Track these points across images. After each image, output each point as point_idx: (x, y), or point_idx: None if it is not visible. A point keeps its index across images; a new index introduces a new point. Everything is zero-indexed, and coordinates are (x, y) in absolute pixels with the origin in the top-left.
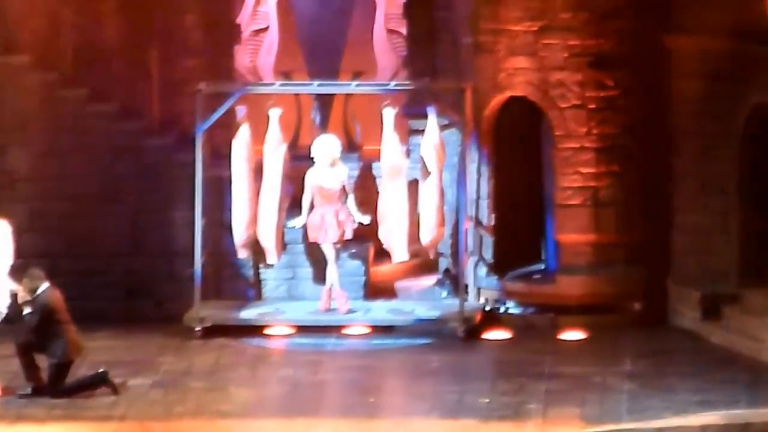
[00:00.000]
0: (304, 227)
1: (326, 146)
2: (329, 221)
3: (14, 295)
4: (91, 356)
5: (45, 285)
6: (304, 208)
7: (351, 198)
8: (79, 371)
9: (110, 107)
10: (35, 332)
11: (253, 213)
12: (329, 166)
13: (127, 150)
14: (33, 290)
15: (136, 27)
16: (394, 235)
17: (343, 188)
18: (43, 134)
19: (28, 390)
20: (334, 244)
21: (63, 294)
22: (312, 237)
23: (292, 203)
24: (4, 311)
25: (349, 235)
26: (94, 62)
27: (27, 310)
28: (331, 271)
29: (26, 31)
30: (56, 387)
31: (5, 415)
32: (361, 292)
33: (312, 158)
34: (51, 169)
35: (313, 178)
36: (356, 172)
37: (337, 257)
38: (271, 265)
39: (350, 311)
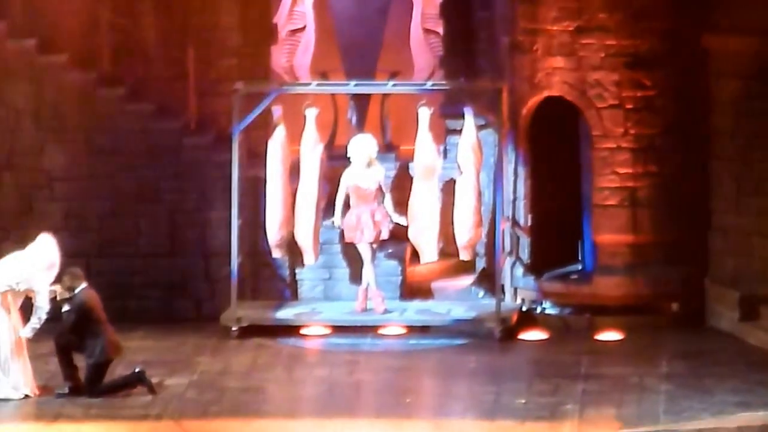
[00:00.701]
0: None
1: (363, 146)
2: (365, 221)
3: (53, 296)
4: (128, 356)
5: (83, 285)
6: (338, 207)
7: (388, 198)
8: (116, 371)
9: (147, 107)
10: (72, 331)
11: (288, 213)
12: (366, 166)
13: (164, 149)
14: (71, 289)
15: (173, 26)
16: (424, 236)
17: (380, 188)
18: (81, 133)
19: (66, 389)
20: (371, 244)
21: (100, 294)
22: (348, 237)
23: (329, 203)
24: (45, 317)
25: (385, 236)
26: (131, 61)
27: (65, 308)
28: (367, 271)
29: (64, 30)
30: (94, 387)
31: (43, 415)
32: (398, 292)
33: (348, 158)
34: (88, 168)
35: (349, 178)
36: (393, 172)
37: (374, 257)
38: (308, 266)
39: (386, 311)
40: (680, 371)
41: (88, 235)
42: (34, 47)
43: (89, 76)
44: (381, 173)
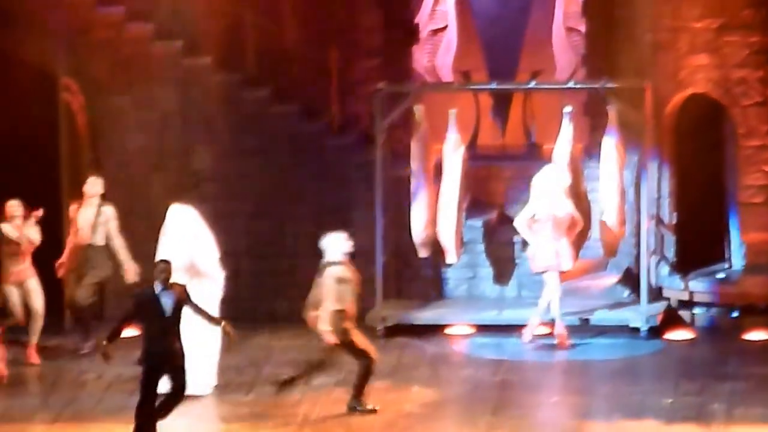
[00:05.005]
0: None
1: (560, 176)
2: (562, 250)
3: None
4: (276, 356)
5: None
6: (523, 226)
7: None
8: (264, 370)
9: (292, 108)
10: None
11: (432, 213)
12: (562, 196)
13: (309, 150)
14: (166, 281)
15: (316, 28)
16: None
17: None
18: (227, 134)
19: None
20: (561, 273)
21: (249, 294)
22: (543, 266)
23: (471, 202)
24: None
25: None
26: (275, 63)
27: (163, 294)
28: (553, 305)
29: (209, 33)
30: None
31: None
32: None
33: (543, 187)
34: (234, 169)
35: (546, 207)
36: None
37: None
38: (451, 265)
39: (572, 346)
40: None
41: (236, 236)
42: (180, 50)
43: (234, 77)
44: (570, 205)
